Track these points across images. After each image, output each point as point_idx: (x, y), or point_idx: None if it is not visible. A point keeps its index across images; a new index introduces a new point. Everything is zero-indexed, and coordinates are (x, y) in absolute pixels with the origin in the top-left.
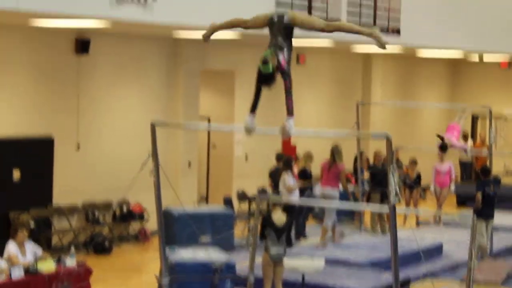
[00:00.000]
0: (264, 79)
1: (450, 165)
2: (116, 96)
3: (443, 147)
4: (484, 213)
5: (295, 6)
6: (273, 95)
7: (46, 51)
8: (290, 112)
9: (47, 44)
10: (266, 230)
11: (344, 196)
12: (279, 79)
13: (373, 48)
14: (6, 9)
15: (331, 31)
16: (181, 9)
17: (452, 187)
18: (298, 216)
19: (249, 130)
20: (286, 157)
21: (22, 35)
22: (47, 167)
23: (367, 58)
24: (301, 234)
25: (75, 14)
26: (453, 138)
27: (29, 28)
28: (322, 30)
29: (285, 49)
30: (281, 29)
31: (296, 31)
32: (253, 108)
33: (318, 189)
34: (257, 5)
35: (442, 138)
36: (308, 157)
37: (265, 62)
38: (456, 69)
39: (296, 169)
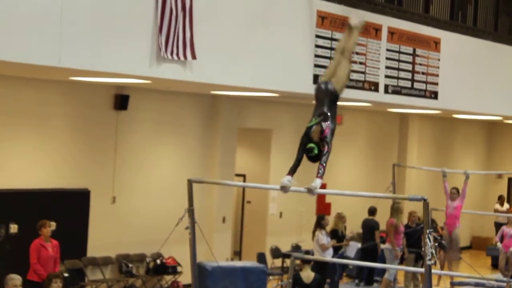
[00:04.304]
0: (309, 158)
1: None
2: (153, 152)
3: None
4: None
5: None
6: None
7: (85, 105)
8: (319, 174)
9: (86, 99)
10: None
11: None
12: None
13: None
14: (49, 65)
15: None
16: (220, 68)
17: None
18: (332, 275)
19: (284, 188)
20: (319, 215)
21: (62, 89)
22: (83, 219)
23: (403, 118)
24: None
25: (116, 72)
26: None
27: (69, 83)
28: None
29: (330, 119)
30: (327, 96)
31: None
32: (292, 171)
33: (350, 249)
34: (295, 68)
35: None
36: (339, 218)
37: (310, 150)
38: (493, 130)
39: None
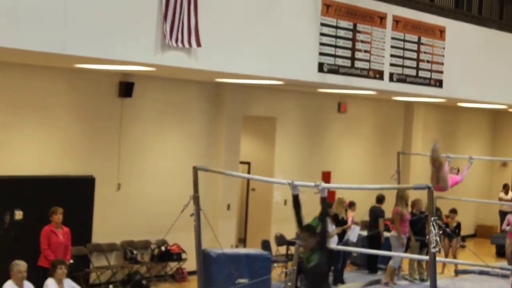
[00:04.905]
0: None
1: None
2: (157, 139)
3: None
4: None
5: (338, 57)
6: (315, 148)
7: (90, 93)
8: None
9: (91, 86)
10: (300, 275)
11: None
12: None
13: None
14: (53, 53)
15: None
16: (225, 56)
17: None
18: (336, 262)
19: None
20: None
21: (66, 77)
22: (88, 206)
23: (408, 106)
24: (339, 280)
25: (120, 59)
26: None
27: (73, 70)
28: None
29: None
30: None
31: (338, 79)
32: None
33: (352, 234)
34: (300, 56)
35: None
36: (340, 203)
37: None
38: (497, 118)
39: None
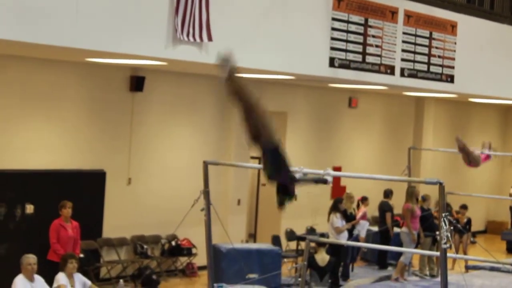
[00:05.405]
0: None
1: None
2: (168, 133)
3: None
4: None
5: (349, 52)
6: (326, 143)
7: (101, 87)
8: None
9: (102, 80)
10: (310, 270)
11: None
12: None
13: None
14: (64, 46)
15: None
16: (236, 51)
17: None
18: (345, 258)
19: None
20: (336, 198)
21: (77, 71)
22: (98, 200)
23: (419, 101)
24: (346, 276)
25: (131, 53)
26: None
27: (84, 64)
28: None
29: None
30: None
31: (349, 73)
32: None
33: (361, 229)
34: (312, 50)
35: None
36: (349, 198)
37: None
38: (508, 113)
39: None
